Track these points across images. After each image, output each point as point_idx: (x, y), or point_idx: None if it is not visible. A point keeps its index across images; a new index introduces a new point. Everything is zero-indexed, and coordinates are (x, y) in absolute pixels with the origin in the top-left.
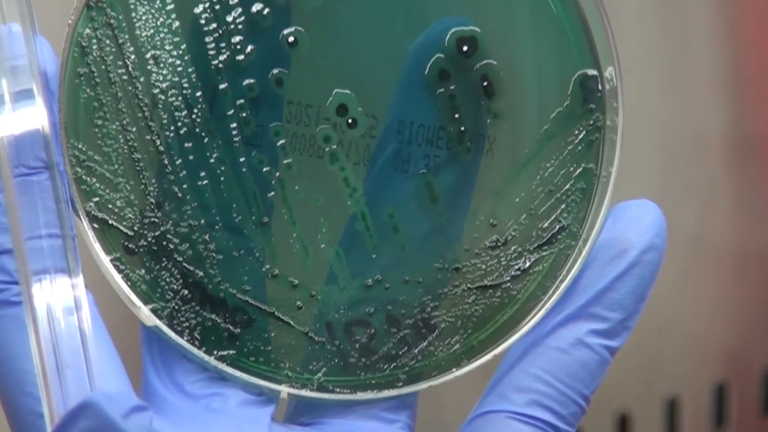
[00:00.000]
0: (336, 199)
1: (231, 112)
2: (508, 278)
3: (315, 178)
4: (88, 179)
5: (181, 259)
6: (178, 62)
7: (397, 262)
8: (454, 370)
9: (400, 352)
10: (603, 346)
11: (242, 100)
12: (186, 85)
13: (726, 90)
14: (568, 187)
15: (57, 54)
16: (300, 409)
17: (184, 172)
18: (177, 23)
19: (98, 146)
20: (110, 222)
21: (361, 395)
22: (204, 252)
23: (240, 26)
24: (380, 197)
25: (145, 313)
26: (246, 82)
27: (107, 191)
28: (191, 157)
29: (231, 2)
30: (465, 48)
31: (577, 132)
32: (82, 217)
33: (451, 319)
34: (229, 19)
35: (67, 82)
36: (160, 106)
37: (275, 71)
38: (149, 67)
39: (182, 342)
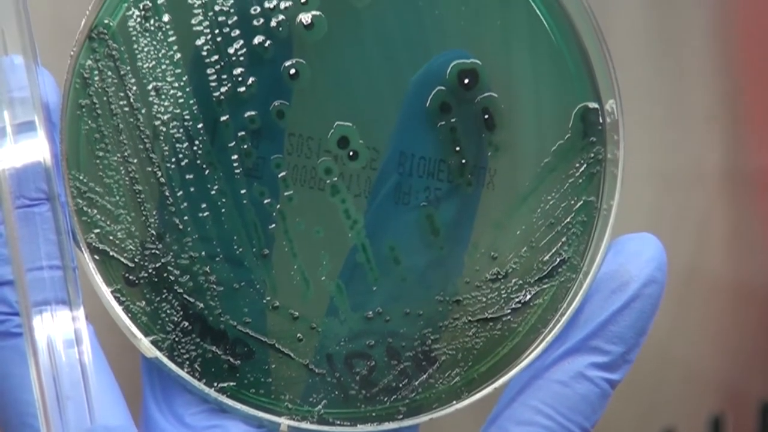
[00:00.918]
0: (337, 231)
1: (232, 144)
2: (509, 311)
3: (316, 210)
4: (89, 211)
5: (181, 290)
6: (180, 94)
7: (397, 295)
8: (454, 402)
9: (401, 385)
10: (604, 379)
11: (243, 132)
12: (187, 116)
13: (721, 123)
14: (568, 220)
15: (59, 85)
16: None
17: (185, 204)
18: (179, 55)
19: (99, 178)
20: (111, 253)
21: (361, 428)
22: (205, 284)
23: (241, 58)
24: (381, 229)
25: (145, 344)
26: (247, 114)
27: (108, 223)
28: (192, 189)
29: (233, 34)
30: (466, 80)
31: (578, 165)
32: (83, 249)
33: (451, 352)
34: (231, 51)
35: (69, 114)
36: (162, 137)
37: (276, 103)
38: (151, 99)
39: (182, 374)
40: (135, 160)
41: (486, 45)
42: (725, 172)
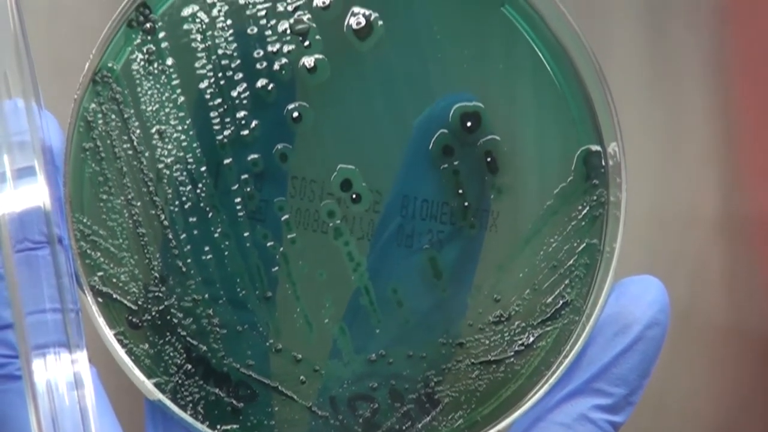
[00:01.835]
0: (340, 274)
1: (235, 187)
2: (512, 353)
3: (319, 252)
4: (93, 253)
5: (184, 333)
6: (183, 137)
7: (400, 337)
8: None
9: (404, 427)
10: (607, 422)
11: (246, 175)
12: (191, 159)
13: (717, 165)
14: (571, 262)
15: (63, 128)
16: None
17: (189, 247)
18: (182, 98)
19: (103, 221)
20: (114, 296)
21: None
22: (208, 326)
23: (245, 101)
24: (384, 272)
25: (148, 387)
26: (250, 157)
27: (111, 265)
28: (195, 232)
29: (236, 78)
30: (469, 123)
31: (580, 207)
32: (86, 291)
33: (454, 394)
34: (234, 94)
35: (73, 157)
36: (165, 180)
37: (279, 146)
38: (154, 142)
39: (186, 416)
40: (138, 203)
41: (489, 88)
42: (722, 216)
